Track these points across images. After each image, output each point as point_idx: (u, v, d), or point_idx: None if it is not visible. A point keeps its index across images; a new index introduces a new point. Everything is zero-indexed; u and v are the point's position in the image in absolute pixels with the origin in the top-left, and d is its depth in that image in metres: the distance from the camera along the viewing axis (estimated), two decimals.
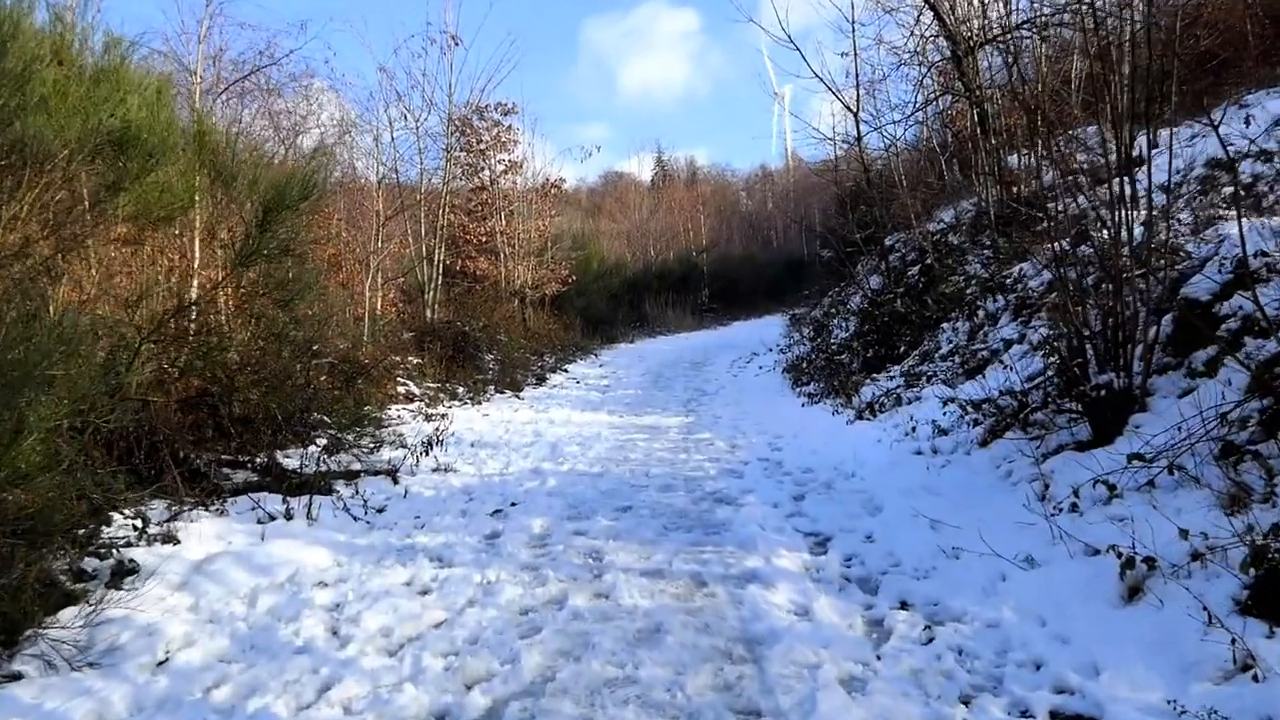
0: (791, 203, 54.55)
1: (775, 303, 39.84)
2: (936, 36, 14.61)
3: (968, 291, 11.65)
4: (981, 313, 10.51)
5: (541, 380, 17.35)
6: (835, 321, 16.29)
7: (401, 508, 7.17)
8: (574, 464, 8.81)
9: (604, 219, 43.20)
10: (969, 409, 7.47)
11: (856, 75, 14.00)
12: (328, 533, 6.32)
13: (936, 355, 10.61)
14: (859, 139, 13.98)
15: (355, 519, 6.80)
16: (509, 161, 24.73)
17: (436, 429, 9.28)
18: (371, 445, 9.57)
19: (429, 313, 18.94)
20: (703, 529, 6.13)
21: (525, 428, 11.40)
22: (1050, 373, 6.64)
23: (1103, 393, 5.58)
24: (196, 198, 8.38)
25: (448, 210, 21.42)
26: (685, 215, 44.47)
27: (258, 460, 8.26)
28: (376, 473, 8.32)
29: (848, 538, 5.70)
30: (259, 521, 6.47)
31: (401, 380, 14.39)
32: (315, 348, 9.15)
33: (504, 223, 24.06)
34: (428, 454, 8.80)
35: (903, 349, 11.83)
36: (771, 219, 55.11)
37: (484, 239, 23.97)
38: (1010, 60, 13.65)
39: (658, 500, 7.03)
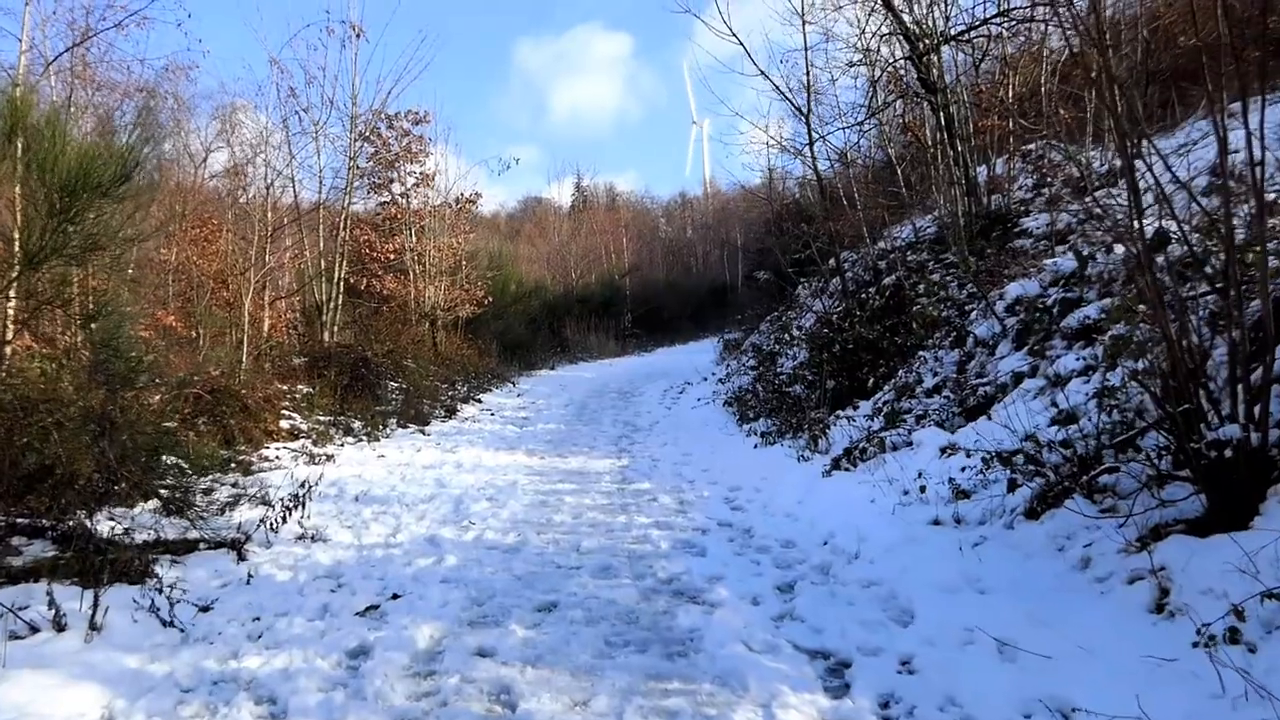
0: (712, 229, 53.97)
1: (700, 328, 38.60)
2: (891, 34, 13.17)
3: (940, 315, 10.13)
4: (971, 339, 8.95)
5: (451, 412, 15.33)
6: (782, 348, 14.65)
7: (238, 602, 5.18)
8: (482, 529, 6.88)
9: (523, 243, 41.36)
10: (993, 462, 5.82)
11: (808, 74, 12.46)
12: (112, 654, 4.31)
13: (919, 389, 8.99)
14: (810, 144, 12.42)
15: (165, 624, 4.77)
16: (420, 174, 22.74)
17: (304, 484, 7.25)
18: (227, 501, 7.54)
19: (327, 335, 16.80)
20: (662, 646, 4.27)
21: (426, 475, 9.41)
22: (1120, 415, 5.01)
23: (1227, 452, 3.95)
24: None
25: (351, 225, 19.32)
26: (607, 238, 42.94)
27: (65, 525, 6.25)
28: (219, 544, 6.29)
29: (874, 665, 3.90)
30: (13, 636, 4.43)
31: (286, 413, 12.29)
32: (144, 379, 7.04)
33: (414, 239, 21.99)
34: (288, 518, 6.76)
35: (872, 381, 10.20)
36: (692, 245, 54.51)
37: (391, 256, 21.86)
38: (978, 59, 12.35)
39: (594, 592, 5.14)
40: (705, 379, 18.05)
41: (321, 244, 17.27)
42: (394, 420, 13.63)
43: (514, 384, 20.72)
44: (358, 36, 16.58)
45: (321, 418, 12.69)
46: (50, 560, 5.72)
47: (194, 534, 6.45)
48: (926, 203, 14.92)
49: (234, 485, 8.45)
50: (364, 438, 12.30)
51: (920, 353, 9.90)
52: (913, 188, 14.20)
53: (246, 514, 7.08)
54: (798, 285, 18.77)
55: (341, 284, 17.34)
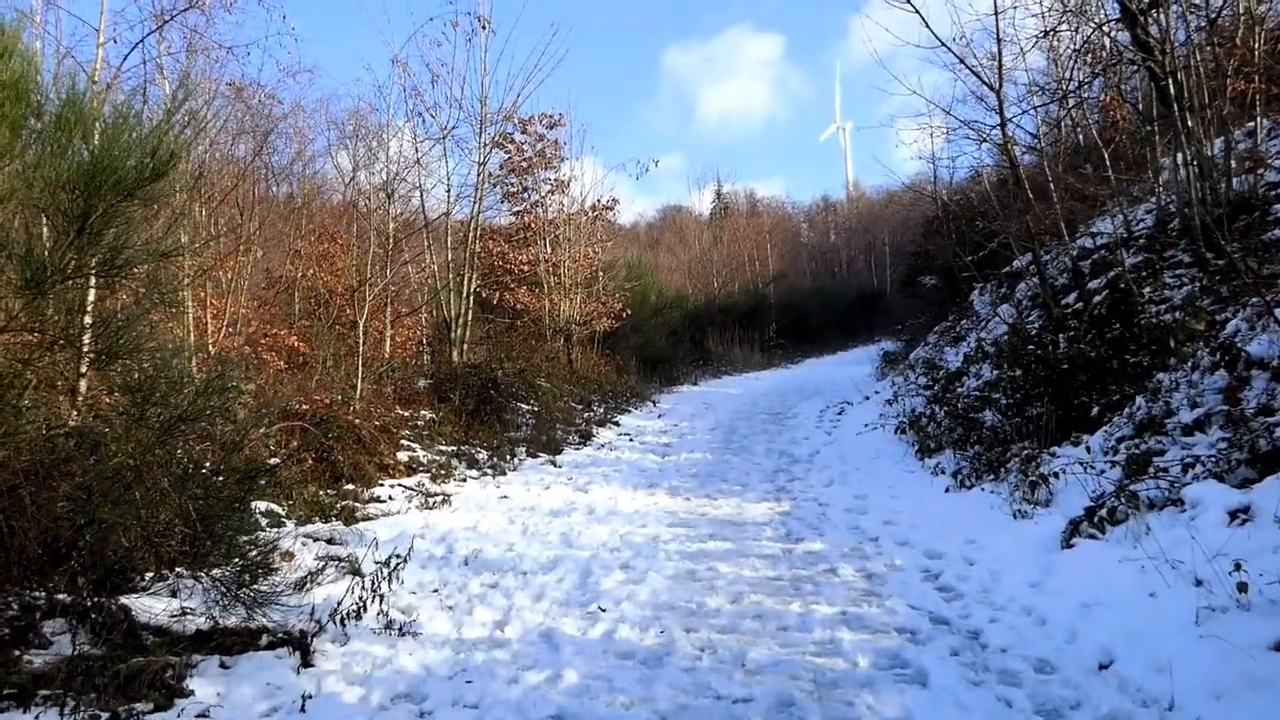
0: (856, 234, 52.14)
1: (848, 337, 36.57)
2: None
3: (1192, 325, 8.03)
4: (1242, 359, 6.87)
5: (586, 438, 13.93)
6: (967, 365, 12.62)
7: None
8: (615, 619, 5.30)
9: (663, 252, 40.11)
10: None
11: (998, 43, 10.43)
12: None
13: (1171, 424, 6.97)
14: (1002, 124, 10.38)
15: None
16: (554, 180, 21.56)
17: (390, 560, 5.79)
18: (311, 569, 6.20)
19: (456, 353, 15.69)
20: None
21: (551, 526, 7.95)
22: None
23: None
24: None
25: (484, 236, 18.27)
26: (749, 245, 41.24)
27: (112, 606, 5.08)
28: (282, 640, 4.94)
29: None
30: None
31: (406, 442, 11.15)
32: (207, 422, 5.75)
33: (548, 249, 20.81)
34: (366, 608, 5.33)
35: (1096, 410, 8.18)
36: (836, 251, 52.82)
37: (525, 267, 20.76)
38: (1213, 14, 10.15)
39: None
40: (867, 398, 16.07)
41: (449, 255, 16.16)
42: (523, 449, 12.31)
43: (654, 403, 19.24)
44: (484, 29, 15.44)
45: (444, 448, 11.49)
46: (68, 664, 4.47)
47: (258, 620, 5.15)
48: (1134, 191, 12.68)
49: (328, 541, 7.19)
50: (489, 471, 11.00)
51: (1159, 375, 7.84)
52: (1122, 173, 11.94)
53: (330, 589, 5.75)
54: (971, 291, 16.60)
55: (471, 298, 16.22)
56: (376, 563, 6.00)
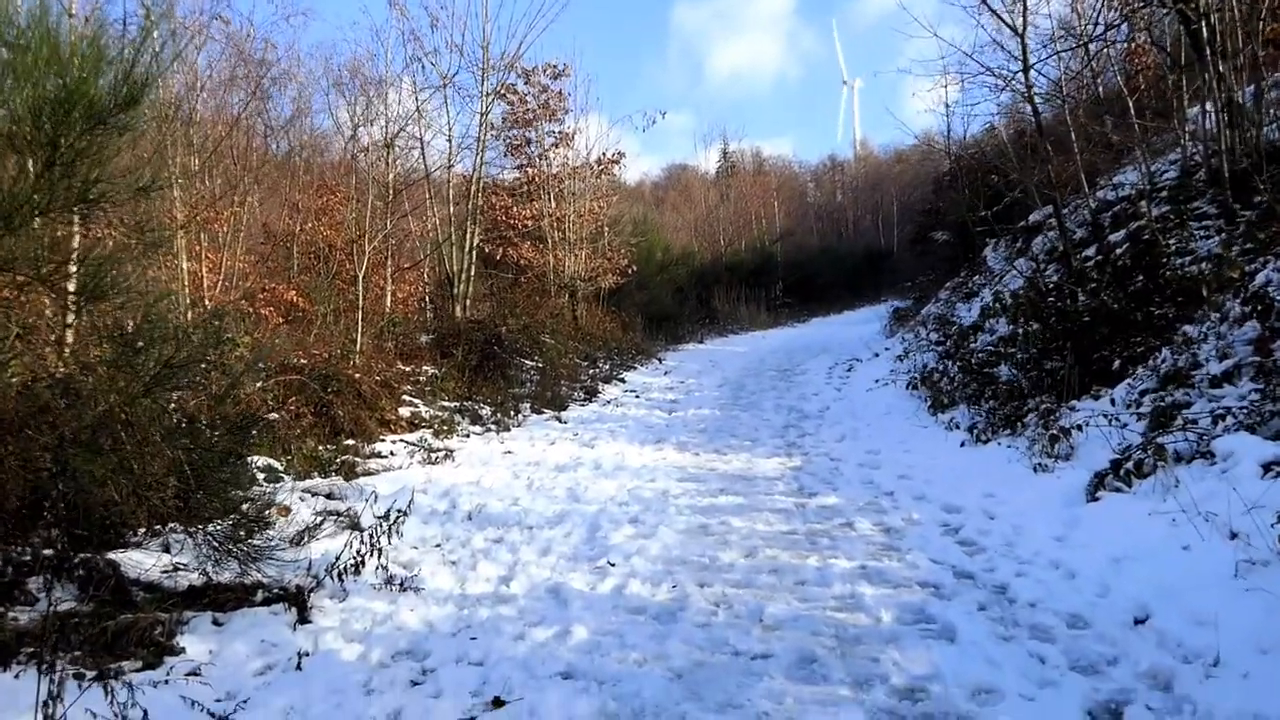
0: (863, 193, 51.76)
1: (855, 297, 36.21)
2: None
3: (1227, 273, 7.73)
4: (1274, 312, 6.59)
5: (592, 395, 13.73)
6: (983, 319, 12.34)
7: (274, 708, 3.56)
8: (625, 574, 5.09)
9: (668, 211, 39.59)
10: None
11: None
12: None
13: (1196, 376, 6.71)
14: (1025, 69, 9.99)
15: None
16: (559, 133, 21.13)
17: (388, 514, 5.55)
18: (308, 524, 5.98)
19: (459, 309, 15.41)
20: None
21: (557, 481, 7.74)
22: None
23: None
24: None
25: (487, 191, 17.90)
26: (756, 204, 40.76)
27: (99, 561, 4.86)
28: (278, 596, 4.73)
29: None
30: None
31: (408, 398, 10.91)
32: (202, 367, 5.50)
33: (552, 204, 20.44)
34: (367, 561, 5.10)
35: (1117, 364, 7.92)
36: (842, 210, 52.40)
37: (529, 222, 20.40)
38: None
39: (796, 717, 3.29)
40: (876, 355, 15.82)
41: (451, 209, 15.81)
42: (527, 405, 12.09)
43: (660, 360, 19.00)
44: None
45: (446, 404, 11.27)
46: (46, 621, 4.26)
47: (253, 576, 4.94)
48: (1157, 142, 12.31)
49: (328, 496, 6.99)
50: (492, 427, 10.79)
51: (1184, 327, 7.57)
52: (1147, 121, 11.56)
53: (328, 543, 5.53)
54: (984, 247, 16.27)
55: (474, 253, 15.89)
56: (376, 517, 5.80)
